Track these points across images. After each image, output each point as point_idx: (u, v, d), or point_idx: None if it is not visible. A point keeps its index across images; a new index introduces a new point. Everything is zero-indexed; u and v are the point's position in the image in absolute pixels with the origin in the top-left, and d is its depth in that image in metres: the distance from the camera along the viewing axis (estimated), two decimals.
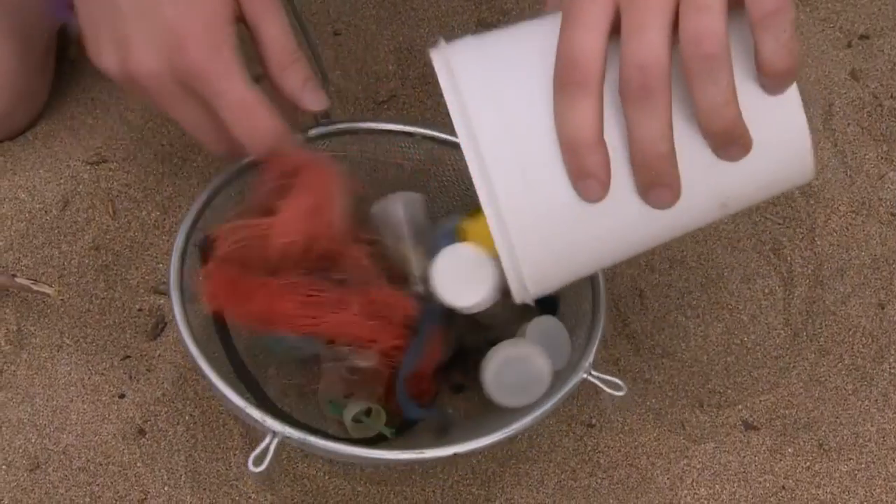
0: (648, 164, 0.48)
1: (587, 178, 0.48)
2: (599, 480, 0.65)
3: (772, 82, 0.48)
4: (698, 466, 0.65)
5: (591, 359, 0.59)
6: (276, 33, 0.59)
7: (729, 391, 0.68)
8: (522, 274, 0.50)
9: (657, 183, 0.48)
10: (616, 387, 0.58)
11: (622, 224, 0.50)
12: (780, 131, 0.49)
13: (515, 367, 0.59)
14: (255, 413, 0.56)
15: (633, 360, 0.69)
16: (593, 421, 0.67)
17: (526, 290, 0.51)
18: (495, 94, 0.49)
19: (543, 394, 0.60)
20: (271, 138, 0.59)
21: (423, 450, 0.56)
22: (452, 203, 0.68)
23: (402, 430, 0.62)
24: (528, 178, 0.49)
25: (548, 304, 0.64)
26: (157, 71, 0.57)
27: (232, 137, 0.59)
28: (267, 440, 0.55)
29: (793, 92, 0.48)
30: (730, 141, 0.48)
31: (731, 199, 0.50)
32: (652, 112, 0.47)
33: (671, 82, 0.47)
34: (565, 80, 0.48)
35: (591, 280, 0.62)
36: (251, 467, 0.54)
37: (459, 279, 0.56)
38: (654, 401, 0.67)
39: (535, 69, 0.49)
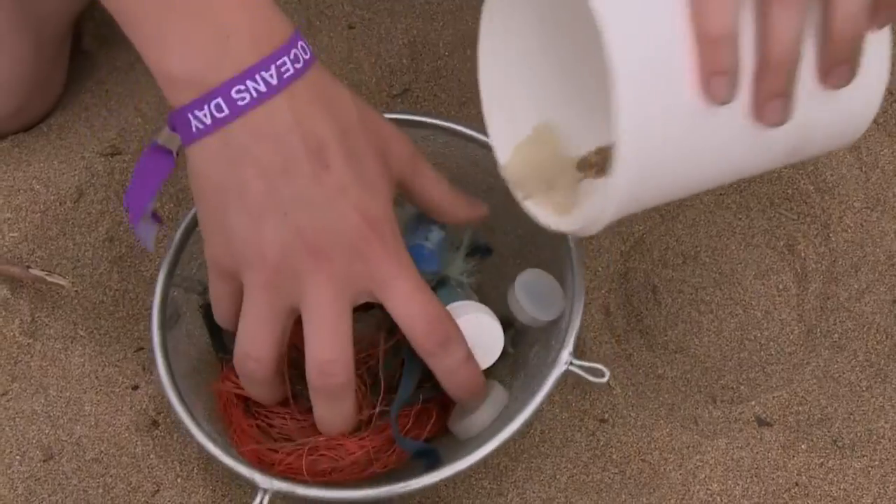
0: (775, 69, 0.46)
1: (720, 75, 0.46)
2: (612, 475, 0.65)
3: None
4: (711, 462, 0.65)
5: (570, 348, 0.59)
6: (430, 175, 0.60)
7: (742, 387, 0.68)
8: (627, 173, 0.46)
9: (778, 93, 0.47)
10: (598, 373, 0.59)
11: (723, 141, 0.48)
12: (869, 72, 0.49)
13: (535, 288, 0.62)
14: (244, 471, 0.58)
15: (646, 356, 0.69)
16: (606, 416, 0.67)
17: (619, 193, 0.47)
18: None
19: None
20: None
21: (409, 481, 0.58)
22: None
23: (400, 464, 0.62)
24: (655, 70, 0.46)
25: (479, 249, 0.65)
26: (351, 269, 0.55)
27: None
28: (258, 498, 0.57)
29: (886, 33, 0.48)
30: (847, 59, 0.48)
31: (803, 143, 0.49)
32: (788, 14, 0.46)
33: None
34: None
35: (571, 263, 0.62)
36: None
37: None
38: (666, 396, 0.67)
39: None
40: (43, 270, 0.69)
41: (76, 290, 0.71)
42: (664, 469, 0.65)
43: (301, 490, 0.58)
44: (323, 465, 0.59)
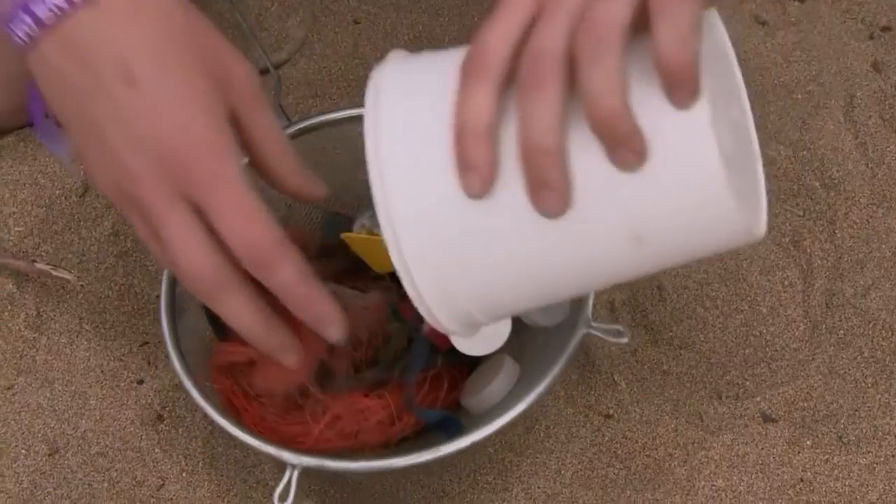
0: (533, 158, 0.44)
1: (469, 170, 0.44)
2: (617, 471, 0.65)
3: (668, 80, 0.42)
4: (716, 458, 0.65)
5: (588, 311, 0.58)
6: (267, 123, 0.54)
7: (747, 383, 0.68)
8: (418, 286, 0.46)
9: (542, 183, 0.44)
10: (618, 333, 0.58)
11: (521, 239, 0.45)
12: (689, 158, 0.42)
13: None
14: (272, 450, 0.57)
15: (651, 352, 0.69)
16: (611, 412, 0.67)
17: (431, 313, 0.46)
18: (407, 89, 0.47)
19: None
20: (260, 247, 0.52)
21: (439, 447, 0.57)
22: None
23: (420, 434, 0.62)
24: (421, 167, 0.45)
25: None
26: (153, 183, 0.50)
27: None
28: (287, 475, 0.56)
29: (701, 111, 0.42)
30: (616, 138, 0.43)
31: (645, 233, 0.44)
32: (539, 100, 0.43)
33: (566, 74, 0.43)
34: (467, 68, 0.45)
35: None
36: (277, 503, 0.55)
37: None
38: (672, 392, 0.67)
39: (446, 72, 0.46)
40: (48, 264, 0.69)
41: (81, 285, 0.71)
42: (669, 464, 0.65)
43: (330, 463, 0.56)
44: (348, 427, 0.59)
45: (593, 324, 0.59)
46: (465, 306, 0.46)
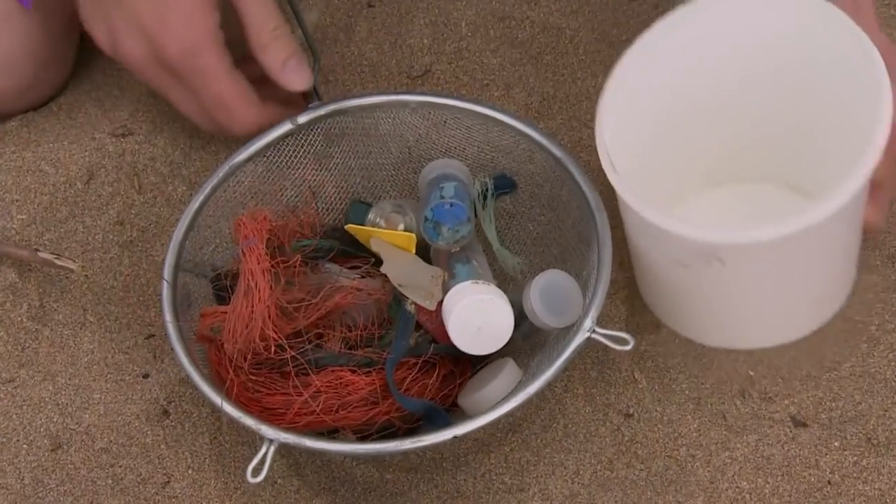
0: None
1: None
2: (637, 472, 0.64)
3: None
4: (740, 459, 0.64)
5: (593, 315, 0.59)
6: (256, 10, 0.62)
7: (773, 382, 0.67)
8: None
9: None
10: (622, 341, 0.59)
11: None
12: None
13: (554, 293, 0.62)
14: (250, 422, 0.57)
15: (674, 349, 0.68)
16: (631, 410, 0.66)
17: None
18: None
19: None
20: (249, 127, 0.64)
21: (422, 437, 0.57)
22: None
23: (409, 424, 0.63)
24: None
25: (502, 183, 0.66)
26: (143, 61, 0.62)
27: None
28: (263, 449, 0.57)
29: None
30: None
31: None
32: None
33: None
34: None
35: (597, 237, 0.62)
36: (249, 478, 0.56)
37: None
38: (694, 390, 0.66)
39: None
40: (52, 254, 0.69)
41: (86, 275, 0.71)
42: (691, 465, 0.64)
43: (308, 443, 0.57)
44: (329, 402, 0.60)
45: (597, 329, 0.59)
46: None
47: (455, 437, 0.58)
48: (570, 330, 0.61)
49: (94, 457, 0.66)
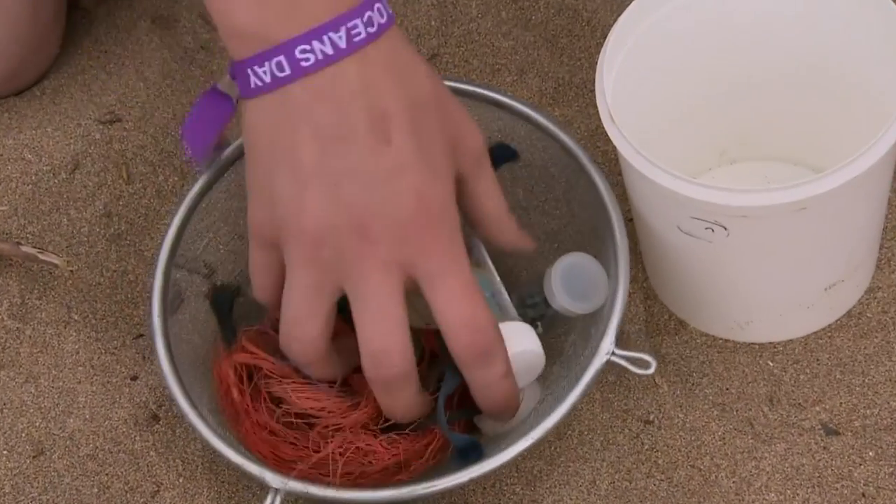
0: None
1: None
2: (657, 482, 0.63)
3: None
4: (768, 469, 0.63)
5: (611, 337, 0.59)
6: (491, 187, 0.59)
7: (803, 388, 0.66)
8: None
9: None
10: (644, 364, 0.58)
11: None
12: None
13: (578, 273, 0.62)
14: (253, 469, 0.57)
15: (698, 352, 0.67)
16: (651, 417, 0.65)
17: None
18: None
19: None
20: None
21: (435, 481, 0.56)
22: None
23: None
24: None
25: (503, 153, 0.65)
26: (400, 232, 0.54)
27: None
28: (269, 499, 0.56)
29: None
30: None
31: None
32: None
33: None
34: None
35: (615, 245, 0.61)
36: None
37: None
38: (719, 396, 0.66)
39: None
40: (34, 248, 0.69)
41: (70, 270, 0.71)
42: (716, 476, 0.63)
43: (317, 491, 0.56)
44: (350, 468, 0.58)
45: (616, 351, 0.58)
46: None
47: (471, 480, 0.57)
48: (587, 351, 0.60)
49: (79, 464, 0.65)
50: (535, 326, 0.61)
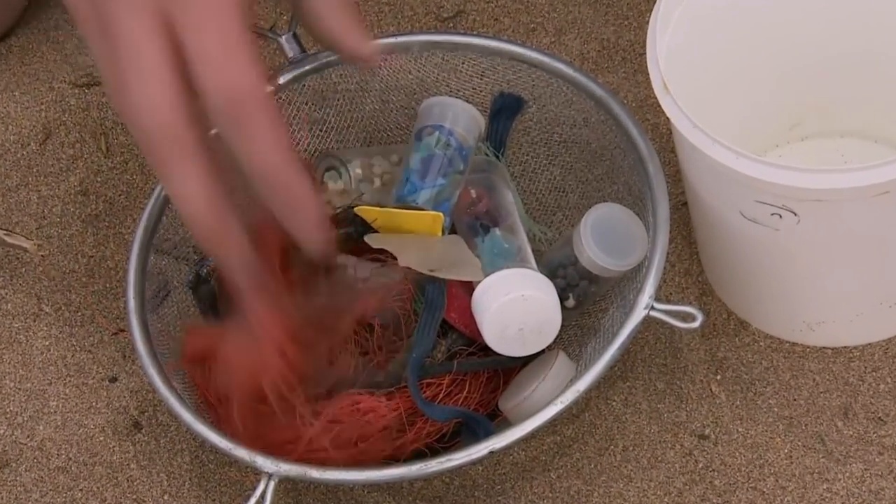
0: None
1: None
2: None
3: None
4: (842, 493, 0.61)
5: (650, 290, 0.58)
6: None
7: (883, 399, 0.64)
8: None
9: None
10: (689, 317, 0.58)
11: None
12: None
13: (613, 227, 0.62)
14: (243, 453, 0.56)
15: (761, 357, 0.65)
16: (707, 431, 0.63)
17: None
18: None
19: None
20: (320, 230, 0.54)
21: (451, 455, 0.56)
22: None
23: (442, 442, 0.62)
24: None
25: (507, 103, 0.65)
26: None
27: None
28: (262, 486, 0.56)
29: None
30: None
31: None
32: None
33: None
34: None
35: (651, 192, 0.61)
36: None
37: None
38: (785, 408, 0.63)
39: None
40: (0, 229, 0.68)
41: (41, 255, 0.70)
42: (781, 499, 0.61)
43: (315, 473, 0.56)
44: (346, 433, 0.58)
45: (655, 305, 0.58)
46: None
47: (492, 453, 0.56)
48: (624, 307, 0.60)
49: (50, 477, 0.65)
50: (565, 299, 0.61)
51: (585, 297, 0.63)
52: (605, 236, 0.61)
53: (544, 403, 0.58)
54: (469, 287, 0.60)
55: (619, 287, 0.62)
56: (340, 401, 0.59)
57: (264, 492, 0.55)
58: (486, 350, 0.61)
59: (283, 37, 0.64)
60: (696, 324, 0.57)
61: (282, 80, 0.64)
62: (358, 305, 0.60)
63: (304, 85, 0.65)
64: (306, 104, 0.66)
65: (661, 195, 0.60)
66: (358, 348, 0.61)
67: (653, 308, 0.58)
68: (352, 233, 0.62)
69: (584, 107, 0.64)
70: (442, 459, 0.55)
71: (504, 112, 0.65)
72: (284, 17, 0.74)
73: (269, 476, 0.55)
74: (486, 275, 0.61)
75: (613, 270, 0.61)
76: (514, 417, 0.60)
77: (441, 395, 0.60)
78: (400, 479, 0.56)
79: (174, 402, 0.58)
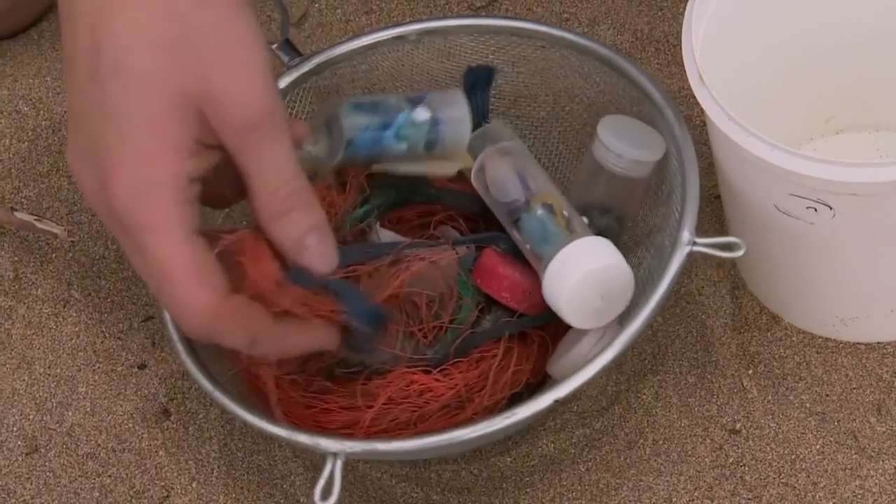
0: None
1: None
2: (745, 501, 0.62)
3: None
4: (874, 489, 0.62)
5: (689, 226, 0.59)
6: (265, 165, 0.53)
7: None
8: None
9: None
10: (732, 246, 0.58)
11: None
12: None
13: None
14: (304, 438, 0.56)
15: (793, 352, 0.66)
16: (738, 425, 0.64)
17: None
18: None
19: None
20: (199, 323, 0.53)
21: (515, 409, 0.56)
22: None
23: None
24: None
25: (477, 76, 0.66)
26: (91, 196, 0.53)
27: None
28: (329, 467, 0.55)
29: None
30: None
31: None
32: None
33: None
34: None
35: (673, 126, 0.62)
36: (318, 501, 0.54)
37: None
38: (817, 403, 0.64)
39: None
40: (31, 215, 0.69)
41: (72, 241, 0.71)
42: (812, 496, 0.62)
43: (381, 446, 0.56)
44: (405, 414, 0.58)
45: (697, 241, 0.58)
46: None
47: (556, 402, 0.56)
48: (662, 252, 0.60)
49: (78, 463, 0.65)
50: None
51: (615, 236, 0.64)
52: (623, 134, 0.62)
53: (592, 358, 0.59)
54: (509, 262, 0.61)
55: (650, 238, 0.62)
56: (396, 381, 0.59)
57: (332, 472, 0.54)
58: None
59: (275, 45, 0.65)
60: (740, 252, 0.57)
61: (282, 84, 0.65)
62: (405, 274, 0.59)
63: (307, 87, 0.66)
64: (309, 105, 0.67)
65: (685, 143, 0.61)
66: (403, 326, 0.60)
67: (694, 244, 0.58)
68: (384, 202, 0.63)
69: (611, 93, 0.64)
70: (507, 414, 0.55)
71: (479, 85, 0.65)
72: (275, 23, 0.75)
73: (335, 455, 0.55)
74: (541, 253, 0.60)
75: (643, 162, 0.62)
76: (560, 378, 0.60)
77: (495, 367, 0.60)
78: (466, 441, 0.56)
79: (223, 397, 0.57)
